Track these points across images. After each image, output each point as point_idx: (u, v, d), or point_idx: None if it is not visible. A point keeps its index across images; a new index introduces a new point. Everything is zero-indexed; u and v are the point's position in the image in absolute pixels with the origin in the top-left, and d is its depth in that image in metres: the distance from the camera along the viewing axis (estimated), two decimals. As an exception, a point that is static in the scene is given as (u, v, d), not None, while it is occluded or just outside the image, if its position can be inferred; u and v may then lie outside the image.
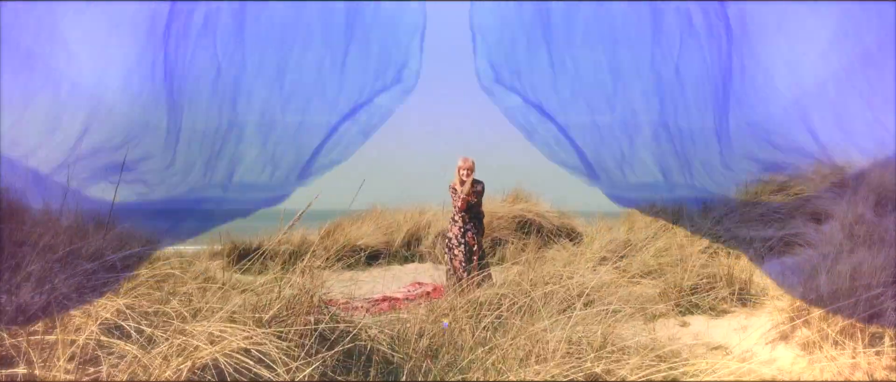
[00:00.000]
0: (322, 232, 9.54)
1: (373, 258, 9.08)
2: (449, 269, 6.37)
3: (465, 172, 6.17)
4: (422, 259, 9.10)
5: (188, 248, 9.45)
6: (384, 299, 6.41)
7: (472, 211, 6.26)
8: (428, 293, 6.56)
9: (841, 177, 7.76)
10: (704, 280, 5.14)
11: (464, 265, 6.22)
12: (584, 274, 4.80)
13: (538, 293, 4.20)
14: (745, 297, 5.00)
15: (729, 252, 6.75)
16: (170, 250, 8.97)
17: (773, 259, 6.85)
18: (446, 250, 6.42)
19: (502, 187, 10.63)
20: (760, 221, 7.14)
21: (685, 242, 7.12)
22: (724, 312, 4.86)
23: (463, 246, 6.23)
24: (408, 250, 9.36)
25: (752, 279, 5.36)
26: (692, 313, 4.93)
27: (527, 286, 4.18)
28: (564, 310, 4.00)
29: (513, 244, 9.21)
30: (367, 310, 5.69)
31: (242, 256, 8.31)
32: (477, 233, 6.28)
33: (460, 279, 6.32)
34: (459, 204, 6.16)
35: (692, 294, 4.89)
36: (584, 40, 5.81)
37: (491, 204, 9.85)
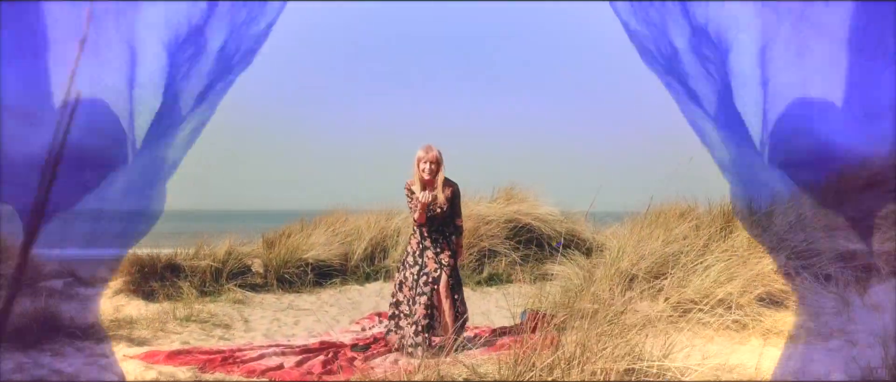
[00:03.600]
0: (262, 242, 7.40)
1: (325, 276, 6.98)
2: (392, 301, 4.29)
3: (427, 166, 4.09)
4: (387, 277, 7.03)
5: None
6: (322, 346, 4.32)
7: (434, 223, 4.19)
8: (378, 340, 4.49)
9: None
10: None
11: (412, 294, 4.18)
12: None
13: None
14: None
15: (819, 274, 4.83)
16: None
17: (877, 286, 4.92)
18: (397, 271, 4.35)
19: (492, 183, 8.58)
20: (851, 228, 5.19)
21: (747, 255, 5.16)
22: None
23: (417, 268, 4.20)
24: (370, 264, 7.28)
25: None
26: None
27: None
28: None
29: (506, 256, 7.18)
30: (284, 372, 3.58)
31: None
32: (441, 251, 4.19)
33: (398, 322, 4.24)
34: (418, 215, 4.10)
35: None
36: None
37: (477, 206, 7.79)
